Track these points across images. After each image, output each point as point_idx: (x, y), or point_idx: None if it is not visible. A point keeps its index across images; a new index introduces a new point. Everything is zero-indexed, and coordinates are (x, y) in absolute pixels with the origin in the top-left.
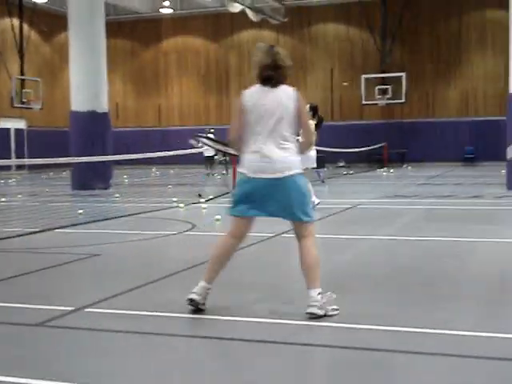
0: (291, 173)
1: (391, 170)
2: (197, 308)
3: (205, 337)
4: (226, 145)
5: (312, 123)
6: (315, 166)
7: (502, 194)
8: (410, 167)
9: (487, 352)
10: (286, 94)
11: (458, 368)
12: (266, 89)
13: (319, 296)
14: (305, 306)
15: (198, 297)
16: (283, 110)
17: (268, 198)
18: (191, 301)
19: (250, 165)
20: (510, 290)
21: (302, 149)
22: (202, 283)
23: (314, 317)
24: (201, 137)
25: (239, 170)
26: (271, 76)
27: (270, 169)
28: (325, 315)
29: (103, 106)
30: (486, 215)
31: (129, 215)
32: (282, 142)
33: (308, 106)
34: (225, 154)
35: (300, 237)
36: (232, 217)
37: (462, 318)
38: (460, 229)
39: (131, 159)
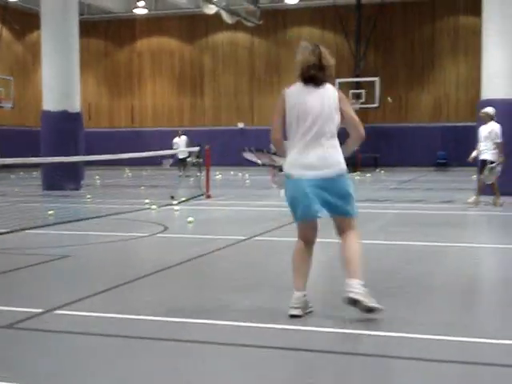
0: (337, 170)
1: (368, 175)
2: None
3: (181, 340)
4: (273, 154)
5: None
6: None
7: (472, 199)
8: (382, 171)
9: (457, 356)
10: (328, 93)
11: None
12: (310, 88)
13: (361, 286)
14: (279, 308)
15: (299, 310)
16: (327, 109)
17: (318, 195)
18: (294, 316)
19: (297, 165)
20: (479, 294)
21: (353, 143)
22: (298, 293)
23: (354, 303)
24: (249, 150)
25: (285, 171)
26: (316, 75)
27: (317, 167)
28: (367, 305)
29: (75, 105)
30: (457, 220)
31: (100, 216)
32: (326, 140)
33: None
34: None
35: (344, 230)
36: (296, 223)
37: (431, 322)
38: (431, 233)
39: (103, 160)
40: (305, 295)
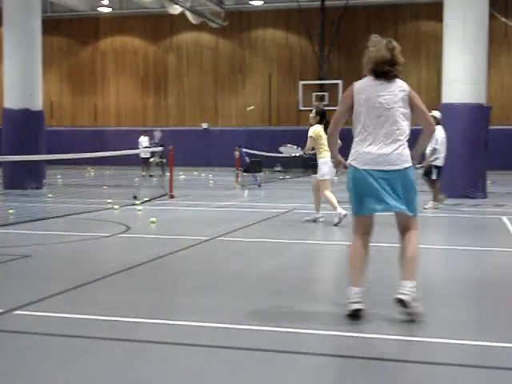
0: (406, 166)
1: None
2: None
3: (142, 341)
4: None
5: (320, 128)
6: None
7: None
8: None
9: (422, 357)
10: (400, 88)
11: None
12: (380, 82)
13: (413, 289)
14: (241, 308)
15: (361, 304)
16: (399, 104)
17: (383, 190)
18: (358, 310)
19: (365, 158)
20: (438, 295)
21: (424, 141)
22: (357, 289)
23: (402, 304)
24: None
25: (351, 163)
26: (388, 71)
27: (386, 162)
28: (410, 309)
29: (37, 104)
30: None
31: (62, 216)
32: (397, 136)
33: (314, 110)
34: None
35: (407, 229)
36: (354, 216)
37: (389, 321)
38: (392, 234)
39: (66, 159)
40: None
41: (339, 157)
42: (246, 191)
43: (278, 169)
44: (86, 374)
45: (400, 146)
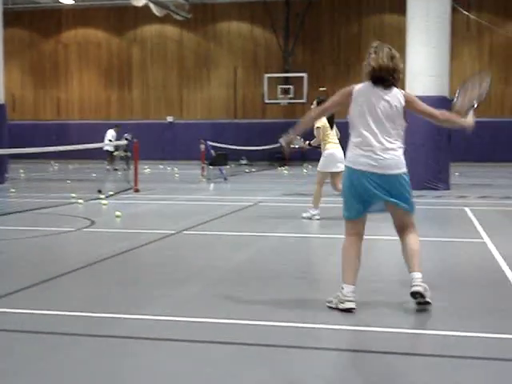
0: (402, 171)
1: (306, 169)
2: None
3: (108, 336)
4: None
5: (323, 121)
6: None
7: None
8: (309, 166)
9: (378, 346)
10: (396, 96)
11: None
12: (379, 89)
13: (422, 279)
14: (208, 302)
15: (354, 303)
16: (394, 112)
17: (378, 192)
18: (352, 309)
19: (362, 161)
20: (402, 287)
21: (451, 124)
22: (351, 287)
23: (419, 296)
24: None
25: (348, 165)
26: (386, 77)
27: (383, 166)
28: (425, 298)
29: None
30: (381, 214)
31: (25, 211)
32: (391, 140)
33: (315, 101)
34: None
35: (405, 226)
36: (348, 220)
37: (366, 313)
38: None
39: (28, 153)
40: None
41: (297, 136)
42: (212, 184)
43: (244, 162)
44: (54, 369)
45: (396, 152)
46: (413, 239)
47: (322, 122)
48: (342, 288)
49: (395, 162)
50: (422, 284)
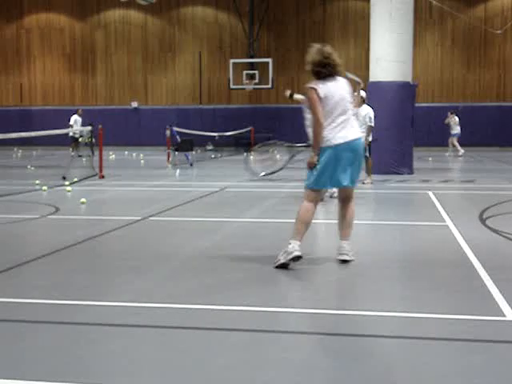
0: (360, 137)
1: (274, 154)
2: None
3: (73, 323)
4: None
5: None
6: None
7: (362, 178)
8: (275, 151)
9: (346, 329)
10: (344, 83)
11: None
12: (330, 81)
13: (349, 246)
14: (173, 288)
15: (300, 252)
16: (348, 95)
17: (346, 165)
18: (299, 258)
19: (336, 136)
20: (366, 270)
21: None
22: (298, 242)
23: (345, 262)
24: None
25: (326, 144)
26: (328, 71)
27: (349, 137)
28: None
29: None
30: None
31: None
32: (351, 117)
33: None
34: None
35: (348, 199)
36: (314, 189)
37: (322, 298)
38: (320, 211)
39: None
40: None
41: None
42: (178, 170)
43: (210, 148)
44: (17, 357)
45: (355, 124)
46: (351, 211)
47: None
48: (290, 243)
49: (358, 131)
50: (349, 253)
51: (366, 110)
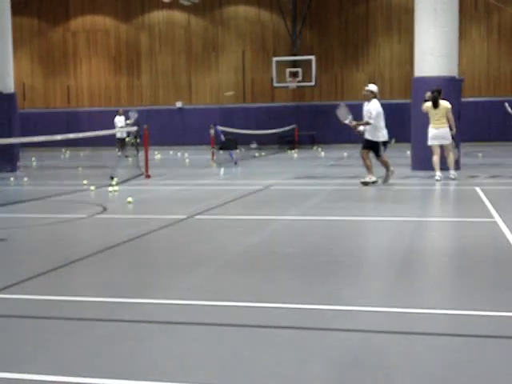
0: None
1: (319, 151)
2: None
3: (122, 320)
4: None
5: (427, 104)
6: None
7: (407, 174)
8: (319, 149)
9: (399, 327)
10: None
11: (370, 344)
12: None
13: None
14: (218, 286)
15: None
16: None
17: None
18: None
19: None
20: (416, 266)
21: None
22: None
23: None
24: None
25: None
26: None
27: None
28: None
29: (9, 86)
30: (392, 195)
31: (38, 199)
32: None
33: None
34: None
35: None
36: None
37: (370, 294)
38: (367, 208)
39: (40, 141)
40: None
41: None
42: (222, 169)
43: (254, 146)
44: (68, 354)
45: None
46: None
47: (427, 104)
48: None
49: None
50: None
51: (370, 105)
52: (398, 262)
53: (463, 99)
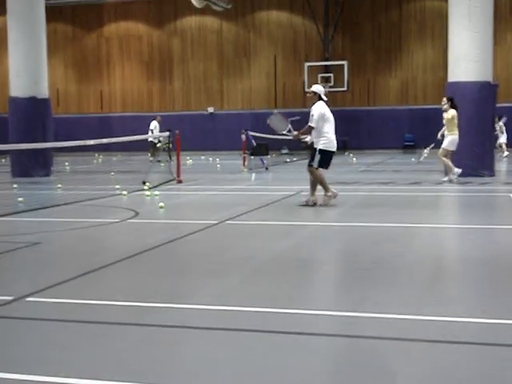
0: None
1: (350, 157)
2: None
3: (153, 325)
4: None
5: (454, 112)
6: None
7: (441, 180)
8: (351, 154)
9: (429, 335)
10: None
11: (404, 351)
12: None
13: None
14: (250, 291)
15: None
16: None
17: None
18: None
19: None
20: (449, 274)
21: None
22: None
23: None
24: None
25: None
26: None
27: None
28: None
29: (43, 91)
30: (425, 201)
31: (71, 203)
32: None
33: (445, 98)
34: None
35: None
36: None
37: (402, 301)
38: (400, 215)
39: (73, 146)
40: None
41: None
42: (254, 174)
43: (285, 151)
44: (100, 358)
45: None
46: None
47: (453, 112)
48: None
49: None
50: None
51: (313, 107)
52: (429, 269)
53: (498, 104)
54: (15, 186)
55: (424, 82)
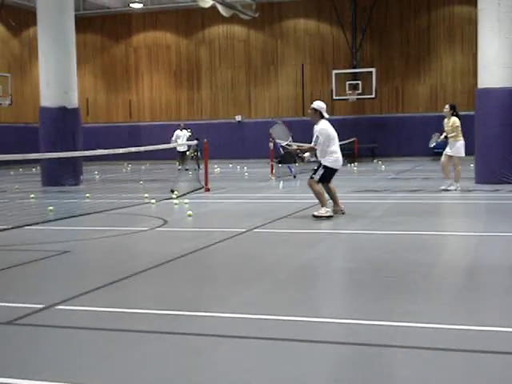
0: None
1: (379, 165)
2: None
3: (182, 333)
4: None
5: (456, 120)
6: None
7: (471, 187)
8: (380, 162)
9: (462, 345)
10: None
11: (433, 361)
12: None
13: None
14: (278, 299)
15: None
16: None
17: None
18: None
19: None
20: (479, 283)
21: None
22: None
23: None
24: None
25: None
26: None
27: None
28: None
29: (73, 101)
30: (455, 209)
31: (100, 211)
32: None
33: (447, 105)
34: None
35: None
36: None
37: (435, 310)
38: (429, 222)
39: (102, 155)
40: None
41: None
42: (281, 182)
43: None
44: (128, 365)
45: None
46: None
47: (457, 120)
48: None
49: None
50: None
51: (317, 128)
52: (460, 278)
53: None
54: (38, 195)
55: (453, 89)
